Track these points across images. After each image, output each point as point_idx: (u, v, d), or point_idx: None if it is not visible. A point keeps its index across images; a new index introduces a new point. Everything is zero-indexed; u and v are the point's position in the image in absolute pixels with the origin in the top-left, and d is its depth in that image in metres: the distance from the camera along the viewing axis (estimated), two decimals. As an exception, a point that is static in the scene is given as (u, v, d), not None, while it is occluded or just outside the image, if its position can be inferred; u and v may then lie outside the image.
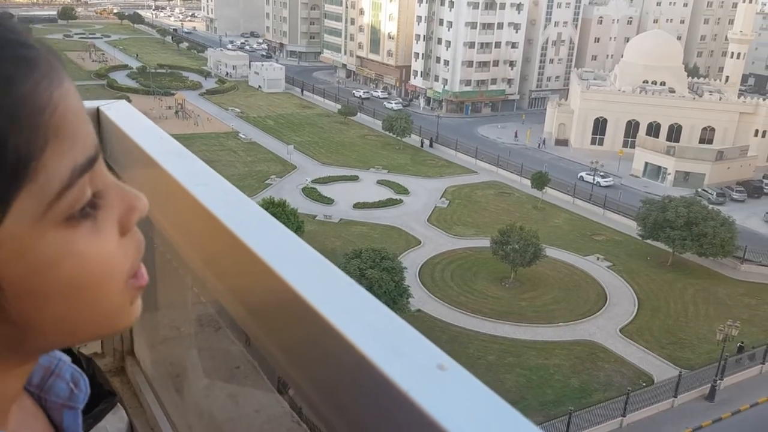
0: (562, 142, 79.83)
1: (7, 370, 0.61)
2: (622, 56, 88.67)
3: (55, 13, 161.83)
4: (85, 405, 0.82)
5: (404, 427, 0.58)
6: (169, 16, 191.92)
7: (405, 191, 60.10)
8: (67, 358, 0.81)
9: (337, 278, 0.77)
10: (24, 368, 0.65)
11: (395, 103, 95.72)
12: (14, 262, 0.54)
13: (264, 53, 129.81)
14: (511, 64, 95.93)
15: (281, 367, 0.78)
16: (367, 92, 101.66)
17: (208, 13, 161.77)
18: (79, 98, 0.58)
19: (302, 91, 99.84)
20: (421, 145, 74.77)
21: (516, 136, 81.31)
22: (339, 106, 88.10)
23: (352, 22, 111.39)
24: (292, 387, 0.76)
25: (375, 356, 0.61)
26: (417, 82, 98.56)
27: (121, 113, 1.49)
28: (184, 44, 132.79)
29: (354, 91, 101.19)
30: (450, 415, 0.55)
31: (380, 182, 62.58)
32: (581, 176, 66.80)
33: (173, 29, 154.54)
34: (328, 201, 56.39)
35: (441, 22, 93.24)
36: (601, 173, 66.44)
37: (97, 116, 1.54)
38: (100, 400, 0.88)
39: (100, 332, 0.64)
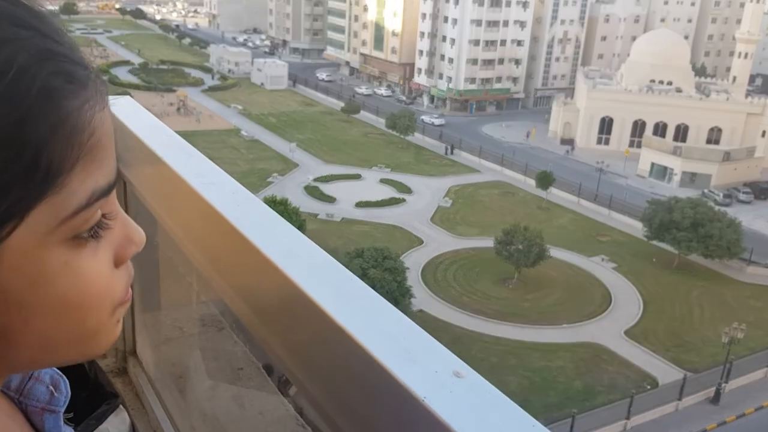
0: (568, 142, 79.33)
1: None
2: (628, 55, 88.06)
3: (56, 7, 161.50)
4: (86, 407, 0.81)
5: None
6: (172, 11, 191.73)
7: (408, 190, 59.65)
8: None
9: (348, 280, 0.76)
10: None
11: (365, 88, 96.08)
12: (15, 271, 0.54)
13: (267, 50, 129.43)
14: (517, 62, 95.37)
15: (289, 370, 0.76)
16: (330, 75, 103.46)
17: (210, 9, 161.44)
18: (112, 124, 0.60)
19: (294, 83, 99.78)
20: (445, 152, 73.15)
21: (527, 136, 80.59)
22: (342, 104, 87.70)
23: (356, 19, 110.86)
24: (301, 391, 0.74)
25: (388, 362, 0.60)
26: (421, 79, 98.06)
27: (127, 109, 1.44)
28: (187, 40, 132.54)
29: (317, 73, 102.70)
30: (469, 425, 0.53)
31: (383, 181, 62.16)
32: (422, 119, 79.86)
33: (176, 25, 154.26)
34: (331, 199, 55.98)
35: (446, 20, 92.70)
36: (435, 115, 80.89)
37: None
38: (102, 401, 0.87)
39: (79, 354, 0.64)
